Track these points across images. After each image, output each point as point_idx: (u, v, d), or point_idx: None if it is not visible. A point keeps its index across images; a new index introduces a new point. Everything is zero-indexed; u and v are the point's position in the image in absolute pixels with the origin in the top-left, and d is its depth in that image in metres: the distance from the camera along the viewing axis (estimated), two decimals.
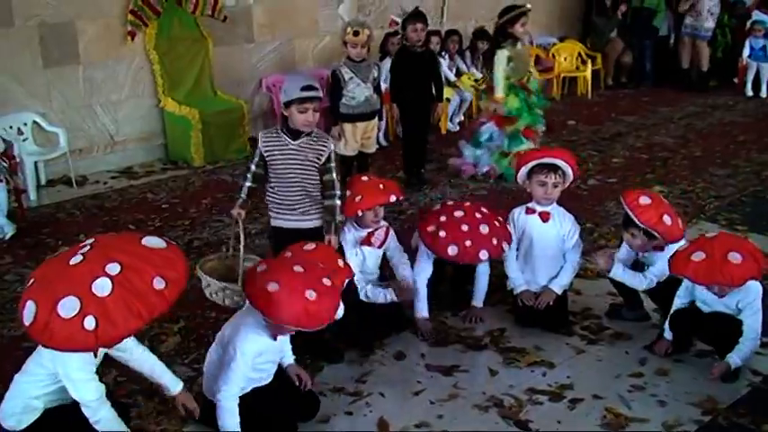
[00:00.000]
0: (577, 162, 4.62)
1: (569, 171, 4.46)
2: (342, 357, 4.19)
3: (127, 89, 7.96)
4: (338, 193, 4.08)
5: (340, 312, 3.43)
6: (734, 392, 3.86)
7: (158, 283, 2.80)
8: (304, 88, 3.93)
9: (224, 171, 7.85)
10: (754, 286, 3.85)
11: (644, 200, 4.10)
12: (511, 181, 6.70)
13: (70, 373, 3.05)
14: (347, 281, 3.78)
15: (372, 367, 4.15)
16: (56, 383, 3.15)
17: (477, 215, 4.47)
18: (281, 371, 3.66)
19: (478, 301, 4.66)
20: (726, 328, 3.92)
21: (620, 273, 4.31)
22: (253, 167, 4.15)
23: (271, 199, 4.20)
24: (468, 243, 4.35)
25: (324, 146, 4.05)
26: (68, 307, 2.73)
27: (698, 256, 3.72)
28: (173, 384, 3.42)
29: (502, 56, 6.88)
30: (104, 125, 7.91)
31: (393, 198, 4.38)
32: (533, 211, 4.55)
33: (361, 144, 6.45)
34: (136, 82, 8.00)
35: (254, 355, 3.36)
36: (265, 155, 4.09)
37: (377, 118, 6.56)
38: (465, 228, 4.39)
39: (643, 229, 4.09)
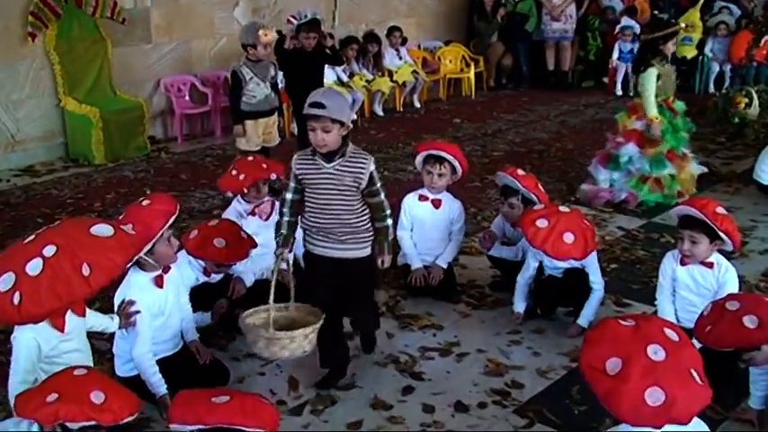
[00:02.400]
0: (465, 157, 5.07)
1: (456, 164, 4.94)
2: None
3: (27, 89, 8.11)
4: (388, 212, 3.80)
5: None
6: None
7: (85, 269, 3.02)
8: (310, 104, 3.58)
9: (125, 168, 8.11)
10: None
11: (521, 171, 4.83)
12: (650, 205, 6.60)
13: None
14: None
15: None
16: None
17: None
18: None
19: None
20: (577, 289, 4.57)
21: (495, 250, 4.97)
22: (289, 196, 3.81)
23: (305, 221, 3.84)
24: None
25: (362, 167, 3.66)
26: (5, 281, 3.03)
27: (542, 223, 4.32)
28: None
29: (651, 74, 6.38)
30: (5, 124, 8.04)
31: (273, 175, 4.92)
32: (426, 198, 5.04)
33: (263, 139, 6.86)
34: (36, 82, 8.16)
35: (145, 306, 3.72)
36: (300, 178, 3.75)
37: (276, 114, 6.98)
38: None
39: (522, 197, 4.67)
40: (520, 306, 4.71)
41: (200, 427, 2.59)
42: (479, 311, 4.89)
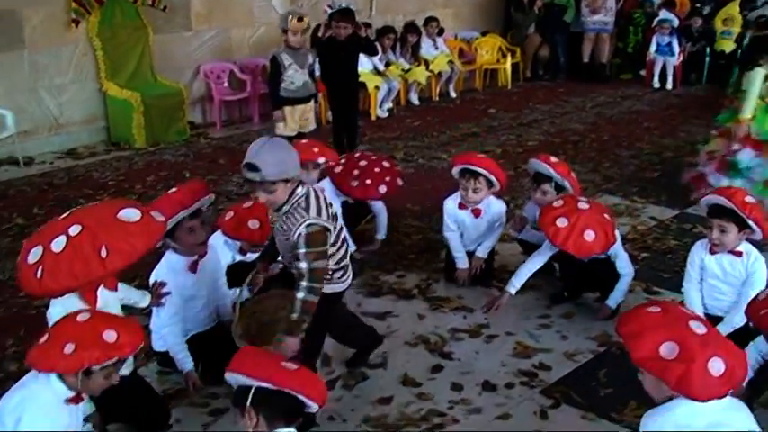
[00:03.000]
0: (503, 172, 5.02)
1: (493, 179, 4.89)
2: None
3: (71, 74, 8.30)
4: (306, 284, 3.25)
5: None
6: None
7: (103, 252, 3.10)
8: (245, 166, 3.24)
9: (165, 152, 8.27)
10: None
11: (554, 159, 4.84)
12: None
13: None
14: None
15: None
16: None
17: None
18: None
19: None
20: (604, 274, 4.62)
21: (526, 234, 5.05)
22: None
23: None
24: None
25: (293, 227, 3.28)
26: (34, 254, 3.16)
27: (562, 222, 4.34)
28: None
29: (758, 74, 6.02)
30: (48, 108, 8.24)
31: (322, 159, 4.90)
32: (465, 207, 5.03)
33: (299, 125, 6.98)
34: (79, 67, 8.34)
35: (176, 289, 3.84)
36: None
37: (313, 101, 7.09)
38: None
39: (555, 183, 4.71)
40: (514, 287, 4.54)
41: (263, 384, 2.61)
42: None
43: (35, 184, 7.29)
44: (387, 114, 9.98)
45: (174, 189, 3.91)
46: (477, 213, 5.01)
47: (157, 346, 4.03)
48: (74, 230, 3.13)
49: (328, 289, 3.45)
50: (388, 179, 5.47)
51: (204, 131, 9.10)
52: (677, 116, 10.02)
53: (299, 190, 3.29)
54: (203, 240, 3.97)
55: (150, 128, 8.42)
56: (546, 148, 8.29)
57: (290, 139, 6.90)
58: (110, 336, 2.81)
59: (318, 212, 3.28)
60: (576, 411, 3.76)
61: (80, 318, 2.89)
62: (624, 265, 4.62)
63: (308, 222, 3.24)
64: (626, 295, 4.66)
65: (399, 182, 5.61)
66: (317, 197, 3.35)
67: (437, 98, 11.00)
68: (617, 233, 4.54)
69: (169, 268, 3.91)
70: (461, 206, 5.04)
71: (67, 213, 3.35)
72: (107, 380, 2.90)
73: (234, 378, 2.68)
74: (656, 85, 11.90)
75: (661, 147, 8.51)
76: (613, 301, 4.61)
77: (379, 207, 5.57)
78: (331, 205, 3.44)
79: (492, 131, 9.18)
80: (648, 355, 2.57)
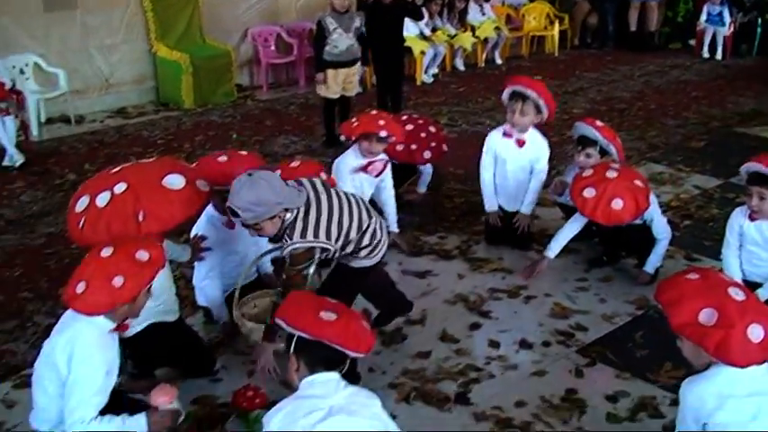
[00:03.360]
0: (554, 100, 4.98)
1: (541, 103, 4.85)
2: None
3: (121, 34, 8.46)
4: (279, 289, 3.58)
5: None
6: None
7: (140, 216, 3.23)
8: (230, 211, 3.28)
9: (213, 113, 8.41)
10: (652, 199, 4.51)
11: (600, 122, 4.84)
12: None
13: None
14: None
15: None
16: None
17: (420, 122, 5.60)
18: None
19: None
20: (640, 239, 4.64)
21: (566, 198, 4.99)
22: None
23: None
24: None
25: (283, 244, 3.39)
26: (81, 203, 3.33)
27: (589, 193, 4.35)
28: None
29: None
30: (99, 68, 8.41)
31: (384, 133, 4.71)
32: (510, 136, 5.02)
33: (342, 88, 7.05)
34: (130, 27, 8.49)
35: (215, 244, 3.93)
36: None
37: (358, 64, 7.15)
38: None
39: (600, 148, 4.73)
40: (553, 251, 4.64)
41: (301, 334, 2.69)
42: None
43: (86, 141, 7.46)
44: (432, 80, 9.99)
45: (226, 157, 3.89)
46: (520, 143, 4.98)
47: (200, 300, 4.16)
48: (119, 188, 3.28)
49: (356, 264, 3.59)
50: (433, 144, 5.50)
51: (251, 94, 9.22)
52: (725, 87, 9.89)
53: (288, 216, 3.28)
54: None
55: (198, 89, 8.55)
56: (591, 115, 8.17)
57: (332, 102, 7.04)
58: (143, 255, 2.92)
59: (303, 233, 3.29)
60: (611, 371, 3.82)
61: (105, 252, 2.93)
62: (661, 230, 4.63)
63: (290, 248, 3.30)
64: (664, 260, 4.68)
65: (444, 148, 5.61)
66: (306, 215, 3.31)
67: (483, 64, 10.96)
68: (652, 197, 4.54)
69: (209, 223, 4.01)
70: (506, 134, 5.03)
71: (118, 168, 3.49)
72: (146, 297, 3.04)
73: (280, 324, 2.78)
74: (706, 55, 11.72)
75: (708, 117, 8.43)
76: (651, 266, 4.63)
77: (426, 168, 5.71)
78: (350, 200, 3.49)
79: None
80: (687, 322, 2.60)
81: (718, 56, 11.67)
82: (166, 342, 3.61)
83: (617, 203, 4.31)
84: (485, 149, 5.11)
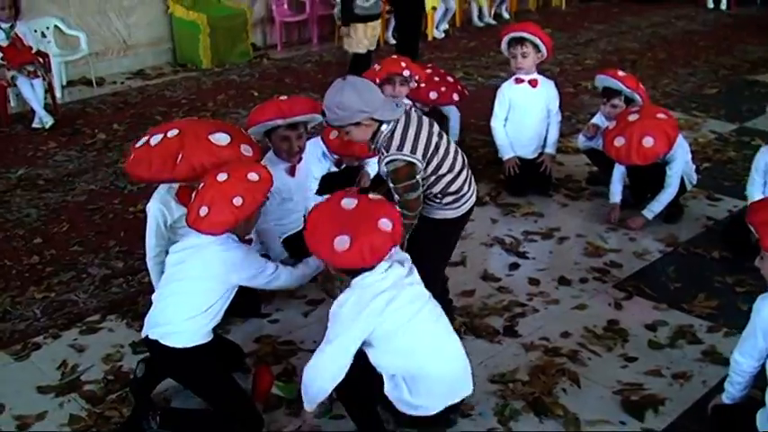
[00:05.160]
0: (549, 37, 5.14)
1: (538, 42, 5.04)
2: None
3: None
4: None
5: None
6: (691, 231, 4.77)
7: (179, 158, 3.41)
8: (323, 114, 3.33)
9: (231, 72, 8.52)
10: (679, 142, 4.65)
11: (621, 72, 4.97)
12: None
13: None
14: None
15: None
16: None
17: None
18: None
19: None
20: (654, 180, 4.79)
21: (597, 141, 5.13)
22: None
23: None
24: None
25: (380, 159, 3.34)
26: (141, 141, 3.57)
27: (619, 142, 4.52)
28: None
29: None
30: (117, 30, 8.50)
31: (407, 72, 4.92)
32: (522, 81, 5.21)
33: (370, 42, 7.20)
34: None
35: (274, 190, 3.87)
36: None
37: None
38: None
39: (625, 96, 4.88)
40: (616, 197, 4.91)
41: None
42: (577, 203, 5.20)
43: (109, 102, 7.58)
44: (443, 35, 10.11)
45: (284, 97, 4.10)
46: (534, 83, 5.19)
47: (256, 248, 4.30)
48: (172, 132, 3.48)
49: (439, 215, 3.44)
50: (459, 87, 5.75)
51: (266, 53, 9.31)
52: (732, 36, 10.06)
53: (384, 128, 3.22)
54: (295, 152, 4.06)
55: (216, 49, 8.65)
56: (604, 65, 8.35)
57: (362, 56, 7.16)
58: (254, 176, 3.16)
59: (400, 147, 3.20)
60: (648, 303, 4.02)
61: (221, 177, 3.14)
62: (673, 178, 4.71)
63: (387, 160, 3.22)
64: (687, 201, 4.85)
65: (467, 92, 5.86)
66: (405, 129, 3.23)
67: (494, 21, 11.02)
68: (683, 142, 4.72)
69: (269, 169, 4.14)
70: (518, 81, 5.22)
71: (181, 119, 3.66)
72: (259, 213, 3.33)
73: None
74: (711, 5, 11.84)
75: (717, 65, 8.60)
76: (650, 212, 4.76)
77: (453, 111, 5.84)
78: (433, 132, 3.32)
79: None
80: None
81: (723, 6, 11.78)
82: None
83: (647, 141, 4.47)
84: (497, 101, 5.29)
